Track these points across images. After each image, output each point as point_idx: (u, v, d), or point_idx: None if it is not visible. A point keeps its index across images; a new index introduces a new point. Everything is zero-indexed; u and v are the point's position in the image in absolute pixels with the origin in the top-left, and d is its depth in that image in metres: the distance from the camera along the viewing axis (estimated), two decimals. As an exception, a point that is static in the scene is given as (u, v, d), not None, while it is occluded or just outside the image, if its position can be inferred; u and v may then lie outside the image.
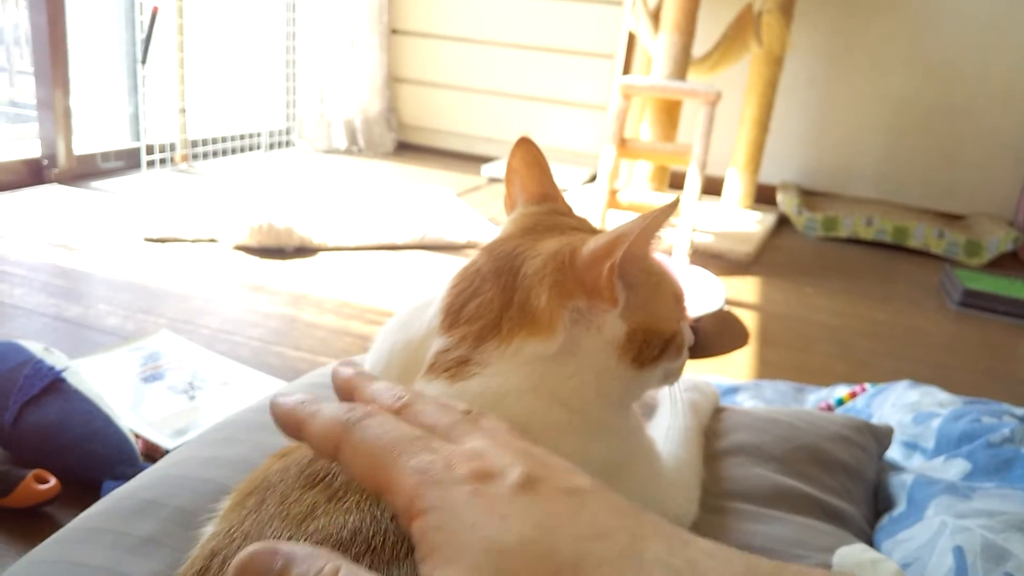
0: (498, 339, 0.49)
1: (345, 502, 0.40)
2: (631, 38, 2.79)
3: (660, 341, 0.52)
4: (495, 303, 0.50)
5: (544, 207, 0.59)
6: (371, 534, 0.38)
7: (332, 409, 0.37)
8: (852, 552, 0.58)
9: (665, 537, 0.31)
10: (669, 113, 2.43)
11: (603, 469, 0.52)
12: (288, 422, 0.38)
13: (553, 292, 0.49)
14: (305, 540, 0.38)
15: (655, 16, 2.43)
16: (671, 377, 0.56)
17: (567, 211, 0.59)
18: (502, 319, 0.49)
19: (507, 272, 0.51)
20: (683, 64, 2.34)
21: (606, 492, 0.34)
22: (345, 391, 0.43)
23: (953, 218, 2.89)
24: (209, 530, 0.45)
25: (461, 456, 0.33)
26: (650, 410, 0.75)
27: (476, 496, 0.31)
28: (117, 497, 0.60)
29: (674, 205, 0.48)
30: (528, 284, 0.49)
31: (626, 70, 2.84)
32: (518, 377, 0.48)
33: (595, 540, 0.30)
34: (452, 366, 0.48)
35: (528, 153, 0.60)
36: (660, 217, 0.48)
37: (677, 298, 0.55)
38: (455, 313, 0.51)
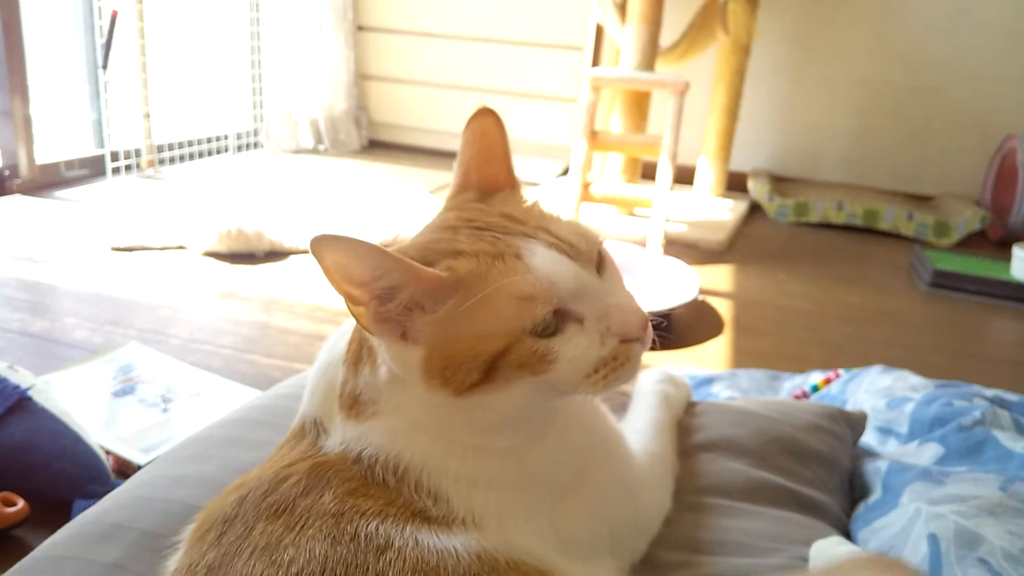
0: (371, 366, 0.49)
1: (309, 529, 0.40)
2: (599, 30, 2.78)
3: (476, 363, 0.43)
4: None
5: (486, 205, 0.53)
6: (337, 559, 0.39)
7: None
8: (827, 545, 0.58)
9: None
10: (639, 104, 2.43)
11: (567, 477, 0.51)
12: None
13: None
14: (281, 573, 0.39)
15: (622, 7, 2.43)
16: (579, 388, 0.46)
17: (517, 202, 0.54)
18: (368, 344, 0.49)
19: None
20: (651, 55, 2.34)
21: None
22: None
23: (922, 199, 2.92)
24: (172, 565, 0.44)
25: None
26: (623, 404, 0.75)
27: None
28: (83, 522, 0.59)
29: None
30: None
31: (595, 62, 2.83)
32: (398, 416, 0.47)
33: None
34: (351, 403, 0.48)
35: (489, 126, 0.54)
36: (354, 246, 0.45)
37: (521, 300, 0.44)
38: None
